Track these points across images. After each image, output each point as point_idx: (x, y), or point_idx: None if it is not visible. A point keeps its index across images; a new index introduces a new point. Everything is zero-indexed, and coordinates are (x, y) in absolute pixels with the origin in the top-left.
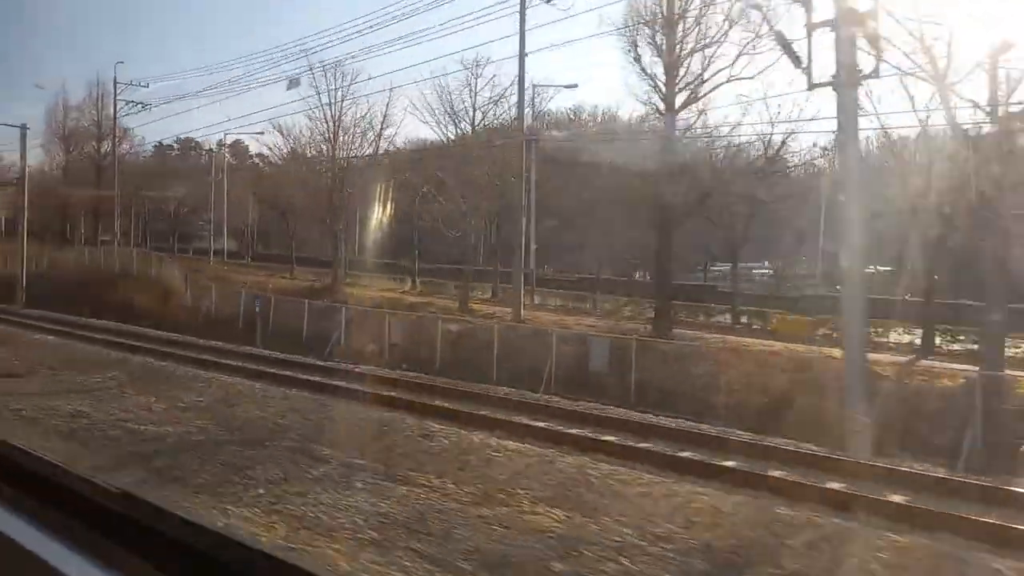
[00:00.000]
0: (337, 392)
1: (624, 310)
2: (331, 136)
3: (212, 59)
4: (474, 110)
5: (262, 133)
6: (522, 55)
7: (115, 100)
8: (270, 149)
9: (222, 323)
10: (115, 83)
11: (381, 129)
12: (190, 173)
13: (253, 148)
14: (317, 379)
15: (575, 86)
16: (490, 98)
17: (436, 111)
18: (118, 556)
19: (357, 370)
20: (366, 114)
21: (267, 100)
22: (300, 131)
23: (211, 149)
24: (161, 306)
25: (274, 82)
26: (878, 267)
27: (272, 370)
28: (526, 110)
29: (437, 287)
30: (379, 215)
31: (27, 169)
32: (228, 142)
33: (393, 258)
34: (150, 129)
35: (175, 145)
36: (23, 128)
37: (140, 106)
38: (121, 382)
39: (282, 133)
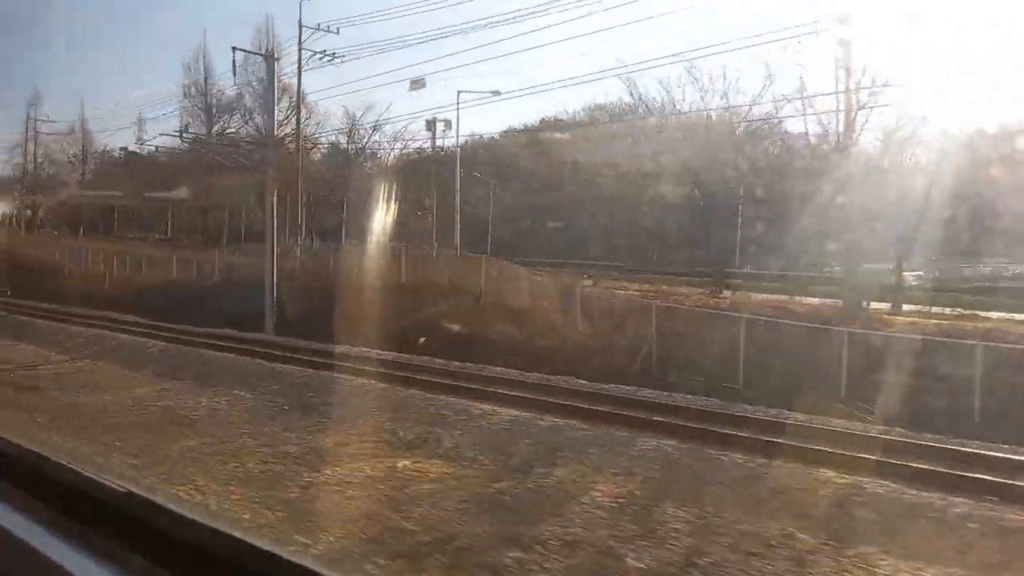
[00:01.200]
0: None
1: None
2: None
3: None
4: None
5: (498, 93)
6: None
7: (300, 52)
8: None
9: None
10: (300, 27)
11: None
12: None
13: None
14: None
15: None
16: None
17: None
18: (121, 554)
19: None
20: None
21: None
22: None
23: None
24: (540, 338)
25: None
26: None
27: None
28: None
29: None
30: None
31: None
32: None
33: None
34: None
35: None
36: (269, 56)
37: (329, 58)
38: None
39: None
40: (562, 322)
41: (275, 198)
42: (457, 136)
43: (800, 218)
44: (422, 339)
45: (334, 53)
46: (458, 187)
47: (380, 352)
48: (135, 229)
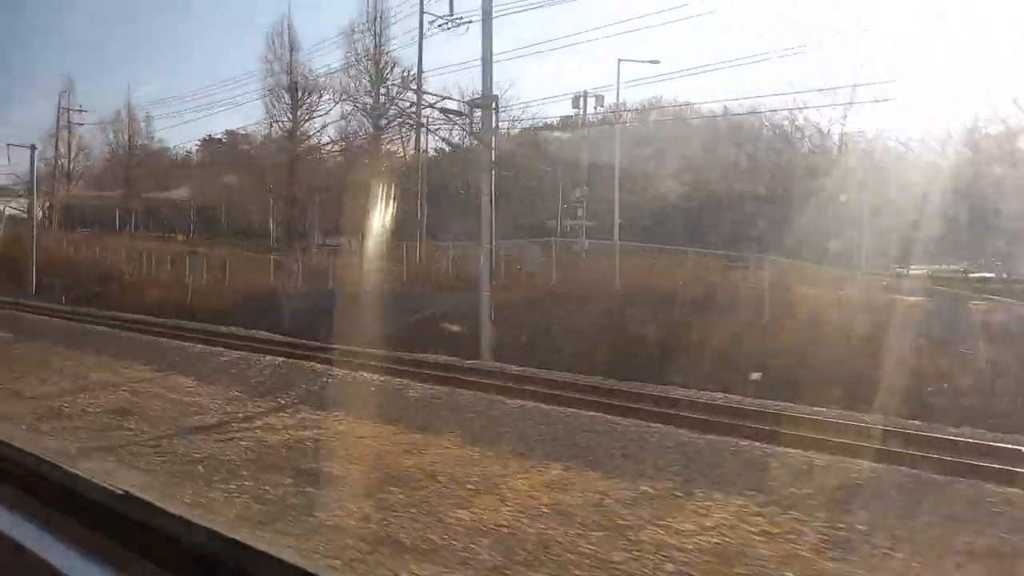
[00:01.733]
0: None
1: None
2: None
3: None
4: None
5: (658, 62)
6: None
7: (421, 14)
8: None
9: None
10: None
11: None
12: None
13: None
14: None
15: None
16: None
17: None
18: (121, 556)
19: None
20: None
21: None
22: None
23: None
24: (910, 376)
25: None
26: None
27: None
28: None
29: None
30: None
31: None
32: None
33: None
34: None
35: None
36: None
37: (455, 22)
38: None
39: None
40: (921, 350)
41: (492, 183)
42: (617, 107)
43: None
44: (755, 375)
45: (460, 17)
46: (617, 171)
47: (724, 395)
48: (162, 227)
